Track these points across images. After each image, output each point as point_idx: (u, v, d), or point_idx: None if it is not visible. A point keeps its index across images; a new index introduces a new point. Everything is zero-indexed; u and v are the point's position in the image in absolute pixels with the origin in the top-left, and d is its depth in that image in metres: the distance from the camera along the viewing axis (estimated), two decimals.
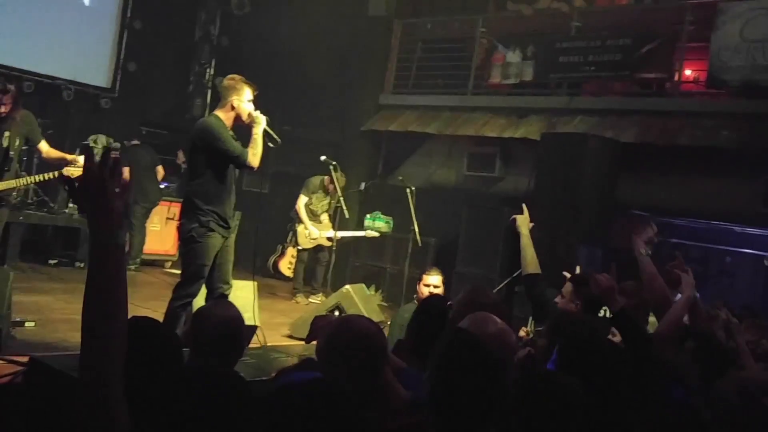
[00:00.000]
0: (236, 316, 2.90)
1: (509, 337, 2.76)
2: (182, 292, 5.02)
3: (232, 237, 5.25)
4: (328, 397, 1.65)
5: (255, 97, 5.20)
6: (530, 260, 4.36)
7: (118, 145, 9.86)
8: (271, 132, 5.19)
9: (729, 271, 10.88)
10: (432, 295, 3.94)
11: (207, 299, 5.15)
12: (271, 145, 5.22)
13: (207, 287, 5.18)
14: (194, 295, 5.07)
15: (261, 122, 5.10)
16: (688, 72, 9.58)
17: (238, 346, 2.88)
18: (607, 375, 2.49)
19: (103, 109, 10.78)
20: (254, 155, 5.06)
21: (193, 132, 5.21)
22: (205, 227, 5.00)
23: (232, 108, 5.12)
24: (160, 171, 10.09)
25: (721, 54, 8.68)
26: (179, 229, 5.19)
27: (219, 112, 5.18)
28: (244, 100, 5.12)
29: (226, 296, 5.19)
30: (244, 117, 5.14)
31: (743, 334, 4.73)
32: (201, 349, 2.73)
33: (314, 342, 2.99)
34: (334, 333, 2.48)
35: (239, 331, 2.88)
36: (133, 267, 9.59)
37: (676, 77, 9.26)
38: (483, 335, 2.58)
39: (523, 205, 4.66)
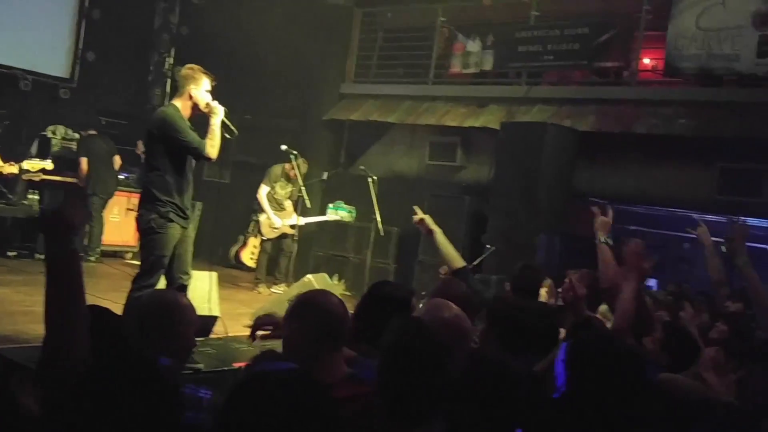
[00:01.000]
0: (179, 303, 2.89)
1: (464, 322, 2.82)
2: (142, 283, 5.00)
3: (192, 228, 5.27)
4: (304, 387, 1.66)
5: (214, 86, 5.18)
6: (453, 256, 4.37)
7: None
8: (228, 123, 5.17)
9: (687, 258, 11.10)
10: (387, 282, 3.97)
11: None
12: (228, 136, 5.22)
13: (166, 278, 5.16)
14: (154, 285, 5.05)
15: (218, 113, 5.09)
16: (645, 60, 9.72)
17: (185, 334, 2.85)
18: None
19: (61, 99, 10.62)
20: (212, 146, 5.06)
21: (150, 122, 5.18)
22: (165, 218, 4.99)
23: (190, 97, 5.10)
24: (117, 161, 9.98)
25: (678, 43, 8.83)
26: (138, 220, 5.16)
27: (177, 102, 5.15)
28: (201, 89, 5.10)
29: (186, 287, 5.20)
30: (202, 106, 5.12)
31: (697, 317, 4.85)
32: (144, 337, 2.71)
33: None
34: (302, 300, 2.58)
35: (183, 318, 2.85)
36: (93, 258, 9.49)
37: (634, 66, 9.39)
38: (438, 320, 2.65)
39: (416, 208, 4.64)
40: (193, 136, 5.04)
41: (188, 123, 5.10)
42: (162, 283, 5.15)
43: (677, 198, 9.21)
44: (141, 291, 4.96)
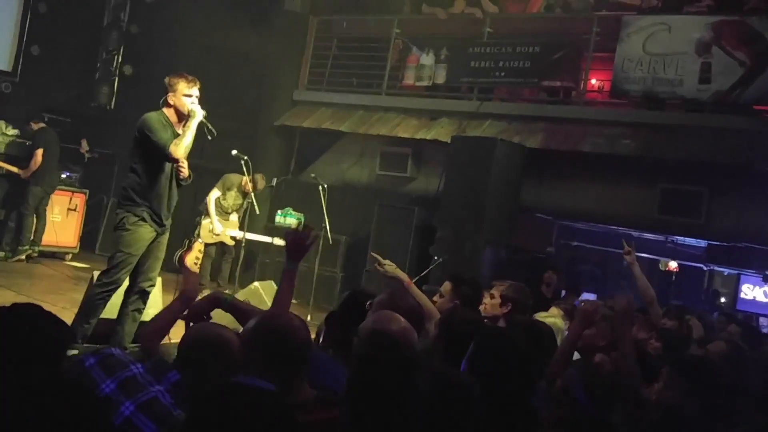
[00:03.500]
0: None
1: (412, 335, 2.83)
2: (105, 279, 5.10)
3: (166, 236, 5.34)
4: (273, 408, 1.65)
5: (200, 89, 5.28)
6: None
7: None
8: (207, 124, 5.26)
9: (627, 274, 11.36)
10: (357, 291, 3.99)
11: (126, 292, 5.22)
12: (209, 137, 5.32)
13: (129, 281, 5.22)
14: (118, 284, 5.15)
15: (195, 115, 5.18)
16: (593, 81, 9.95)
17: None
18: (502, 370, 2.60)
19: (3, 93, 10.32)
20: (176, 145, 5.10)
21: (136, 125, 5.24)
22: (138, 217, 5.10)
23: (171, 105, 5.22)
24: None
25: (625, 65, 9.06)
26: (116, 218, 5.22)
27: (164, 109, 5.25)
28: (179, 94, 5.19)
29: (147, 293, 5.28)
30: (185, 111, 5.21)
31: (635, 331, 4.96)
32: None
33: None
34: (259, 325, 2.52)
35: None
36: (30, 251, 9.21)
37: (582, 86, 9.60)
38: (384, 332, 2.65)
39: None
40: (162, 135, 5.08)
41: (171, 128, 5.15)
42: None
43: (620, 216, 9.43)
44: (104, 287, 5.08)
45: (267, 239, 9.32)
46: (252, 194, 8.84)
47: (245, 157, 8.97)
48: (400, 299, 3.45)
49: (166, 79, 5.27)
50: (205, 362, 2.52)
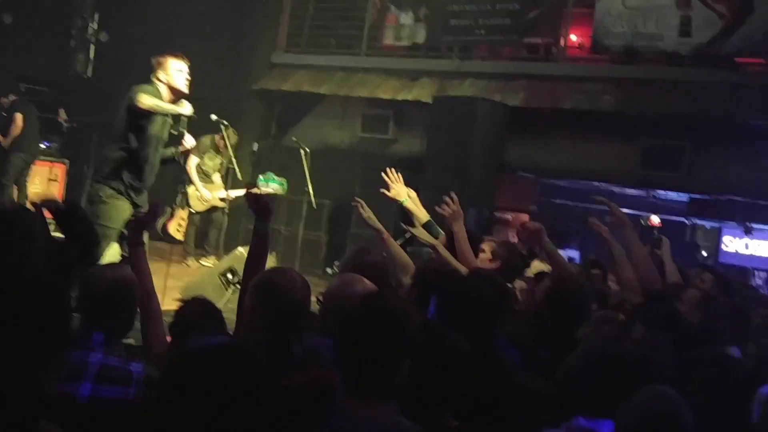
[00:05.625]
0: (127, 279, 2.83)
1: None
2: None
3: (145, 203, 5.26)
4: (242, 360, 1.66)
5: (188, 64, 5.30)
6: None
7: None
8: (185, 121, 5.30)
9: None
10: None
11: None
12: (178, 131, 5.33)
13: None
14: (97, 256, 5.02)
15: (184, 106, 5.20)
16: (573, 37, 9.89)
17: (128, 310, 2.81)
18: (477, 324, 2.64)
19: None
20: (145, 93, 5.02)
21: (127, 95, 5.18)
22: (114, 189, 5.06)
23: (162, 82, 5.20)
24: None
25: (605, 20, 9.01)
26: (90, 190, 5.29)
27: (157, 84, 5.21)
28: (170, 71, 5.20)
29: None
30: (177, 85, 5.21)
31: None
32: (89, 314, 2.66)
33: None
34: (260, 279, 2.56)
35: (130, 296, 2.80)
36: None
37: (562, 42, 9.54)
38: (351, 295, 2.66)
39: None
40: (141, 88, 5.03)
41: (164, 104, 5.12)
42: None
43: (602, 172, 9.46)
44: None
45: (254, 190, 9.25)
46: (232, 154, 8.77)
47: (225, 122, 8.90)
48: (367, 257, 3.48)
49: (153, 60, 5.23)
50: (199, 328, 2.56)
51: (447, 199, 4.23)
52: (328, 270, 9.47)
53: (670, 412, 2.07)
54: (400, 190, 4.77)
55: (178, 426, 1.58)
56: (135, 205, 5.17)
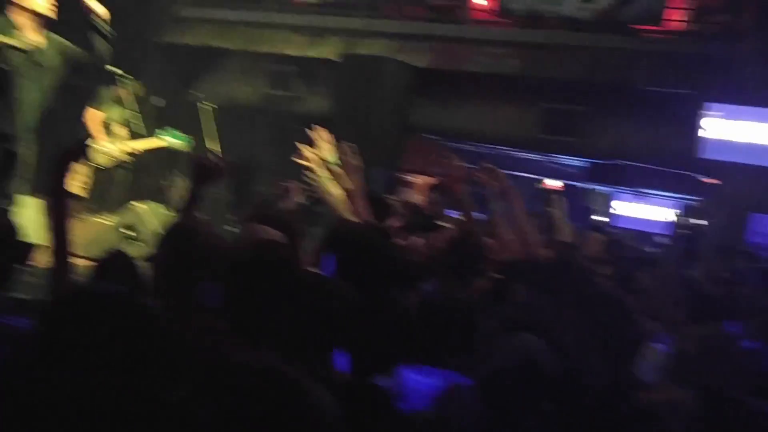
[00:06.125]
0: (4, 224, 2.73)
1: (283, 245, 2.88)
2: None
3: (28, 153, 5.04)
4: (130, 308, 1.65)
5: None
6: None
7: None
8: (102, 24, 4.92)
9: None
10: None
11: None
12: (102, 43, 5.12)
13: None
14: None
15: None
16: (479, 0, 9.99)
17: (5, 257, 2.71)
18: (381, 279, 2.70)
19: None
20: None
21: None
22: None
23: (14, 3, 4.76)
24: None
25: None
26: None
27: (6, 13, 4.82)
28: None
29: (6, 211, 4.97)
30: (37, 7, 4.79)
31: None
32: None
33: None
34: (173, 226, 2.57)
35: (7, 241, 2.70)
36: None
37: (468, 4, 9.62)
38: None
39: None
40: None
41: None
42: None
43: (503, 136, 9.67)
44: None
45: (157, 144, 9.02)
46: (133, 108, 8.49)
47: (125, 75, 8.61)
48: (271, 210, 3.47)
49: None
50: None
51: (346, 149, 4.20)
52: (232, 228, 9.37)
53: (530, 357, 2.15)
54: (325, 152, 4.61)
55: (55, 375, 1.55)
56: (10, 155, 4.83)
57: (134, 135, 8.90)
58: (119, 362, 1.59)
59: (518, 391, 2.10)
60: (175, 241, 2.53)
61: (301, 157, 4.36)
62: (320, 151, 4.51)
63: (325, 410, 1.73)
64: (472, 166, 10.99)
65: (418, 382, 2.30)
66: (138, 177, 9.72)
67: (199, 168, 3.18)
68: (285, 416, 1.47)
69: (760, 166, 8.19)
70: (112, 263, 2.88)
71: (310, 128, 4.69)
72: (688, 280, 4.35)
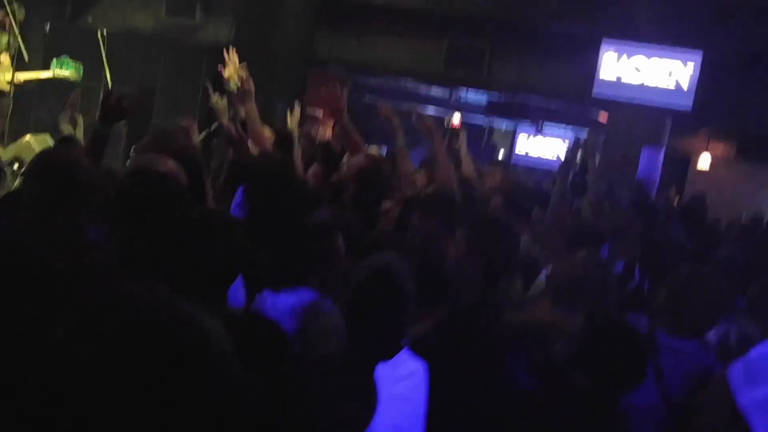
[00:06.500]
0: None
1: (179, 176, 2.81)
2: None
3: None
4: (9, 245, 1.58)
5: None
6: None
7: None
8: None
9: (413, 130, 11.80)
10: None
11: None
12: None
13: None
14: None
15: None
16: None
17: None
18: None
19: None
20: None
21: None
22: None
23: None
24: None
25: None
26: None
27: None
28: None
29: None
30: None
31: None
32: None
33: None
34: (42, 160, 2.45)
35: None
36: None
37: None
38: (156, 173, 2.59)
39: None
40: None
41: None
42: None
43: (409, 69, 9.68)
44: None
45: (44, 74, 8.58)
46: (18, 33, 8.01)
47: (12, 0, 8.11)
48: (169, 140, 3.36)
49: None
50: None
51: (242, 74, 4.11)
52: (129, 162, 9.09)
53: (383, 268, 2.16)
54: (233, 74, 4.46)
55: None
56: None
57: (20, 63, 8.43)
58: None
59: (374, 302, 2.12)
60: (52, 173, 2.42)
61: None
62: (227, 72, 4.41)
63: (215, 343, 1.71)
64: (379, 100, 10.95)
65: (278, 302, 2.32)
66: (23, 107, 9.26)
67: (108, 108, 3.05)
68: (173, 351, 1.46)
69: (652, 105, 8.52)
70: None
71: (210, 58, 4.56)
72: (574, 211, 4.52)
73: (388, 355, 2.12)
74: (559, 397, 2.24)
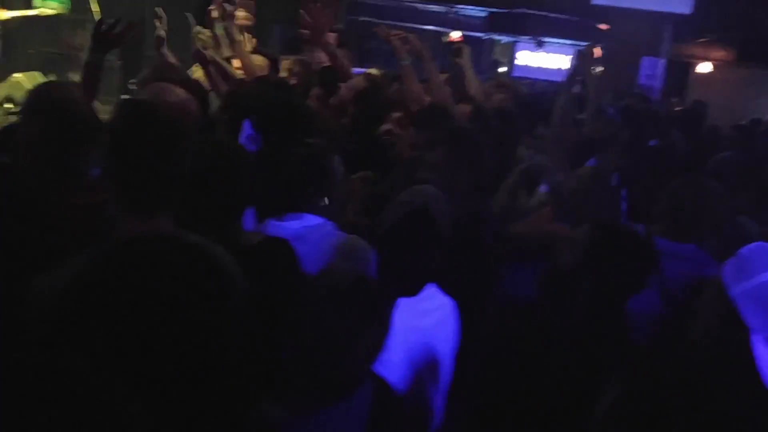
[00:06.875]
0: None
1: (191, 105, 2.76)
2: None
3: None
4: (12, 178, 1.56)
5: None
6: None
7: None
8: None
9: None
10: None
11: None
12: None
13: None
14: None
15: None
16: None
17: None
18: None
19: None
20: None
21: None
22: None
23: None
24: None
25: None
26: None
27: None
28: None
29: None
30: None
31: None
32: None
33: None
34: (36, 95, 2.42)
35: None
36: None
37: None
38: (163, 105, 2.53)
39: None
40: None
41: None
42: None
43: None
44: None
45: (31, 12, 8.41)
46: None
47: None
48: (169, 72, 3.31)
49: None
50: None
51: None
52: (124, 96, 8.97)
53: (422, 205, 2.18)
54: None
55: None
56: None
57: (3, 1, 8.25)
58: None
59: (410, 237, 2.15)
60: (41, 108, 2.37)
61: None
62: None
63: (229, 275, 1.70)
64: (376, 20, 10.79)
65: (283, 228, 2.31)
66: (13, 45, 9.10)
67: (100, 36, 2.99)
68: (186, 283, 1.45)
69: (651, 10, 8.32)
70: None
71: None
72: (576, 123, 4.48)
73: (413, 290, 2.14)
74: (566, 307, 2.26)
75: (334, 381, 1.74)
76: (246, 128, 2.90)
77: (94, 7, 8.09)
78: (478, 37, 12.95)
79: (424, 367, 2.20)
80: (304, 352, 1.75)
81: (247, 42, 4.89)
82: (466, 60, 4.86)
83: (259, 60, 4.76)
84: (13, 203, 1.57)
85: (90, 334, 1.43)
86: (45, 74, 7.74)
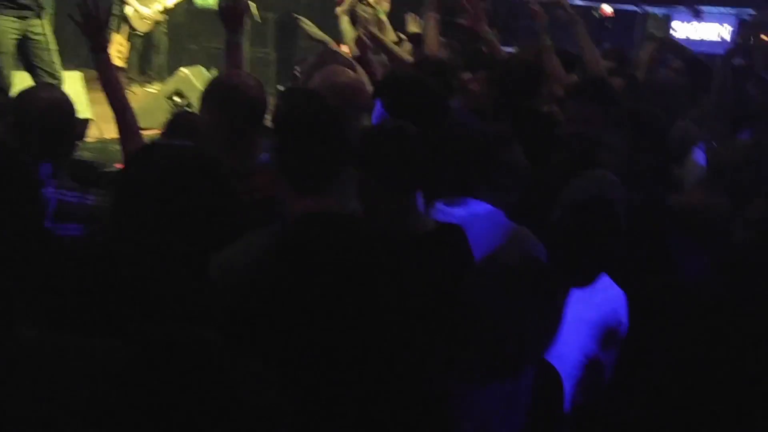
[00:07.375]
0: (65, 99, 2.68)
1: (362, 85, 2.86)
2: None
3: (42, 23, 4.79)
4: (197, 160, 1.66)
5: None
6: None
7: None
8: None
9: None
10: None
11: None
12: None
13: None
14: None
15: None
16: None
17: (69, 133, 2.68)
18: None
19: None
20: None
21: None
22: None
23: None
24: None
25: None
26: None
27: None
28: None
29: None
30: None
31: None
32: (26, 137, 2.50)
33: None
34: (216, 84, 2.54)
35: (70, 117, 2.66)
36: None
37: None
38: (335, 85, 2.63)
39: None
40: None
41: None
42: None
43: None
44: None
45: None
46: None
47: None
48: (335, 59, 3.41)
49: None
50: None
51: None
52: (280, 87, 9.28)
53: (600, 195, 2.12)
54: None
55: (130, 228, 1.58)
56: (22, 21, 4.67)
57: None
58: (189, 216, 1.61)
59: (589, 230, 2.11)
60: (219, 96, 2.48)
61: None
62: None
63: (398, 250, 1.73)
64: None
65: (450, 214, 2.29)
66: (178, 41, 9.61)
67: (226, 14, 3.16)
68: (366, 256, 1.57)
69: None
70: (179, 124, 2.88)
71: None
72: (737, 92, 4.27)
73: (587, 281, 2.10)
74: (748, 293, 2.13)
75: (500, 358, 1.73)
76: (377, 108, 2.92)
77: (252, 2, 8.37)
78: (631, 11, 12.39)
79: (593, 362, 2.14)
80: (473, 327, 1.75)
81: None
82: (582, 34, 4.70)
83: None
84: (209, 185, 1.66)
85: (286, 305, 1.51)
86: (208, 69, 8.12)
